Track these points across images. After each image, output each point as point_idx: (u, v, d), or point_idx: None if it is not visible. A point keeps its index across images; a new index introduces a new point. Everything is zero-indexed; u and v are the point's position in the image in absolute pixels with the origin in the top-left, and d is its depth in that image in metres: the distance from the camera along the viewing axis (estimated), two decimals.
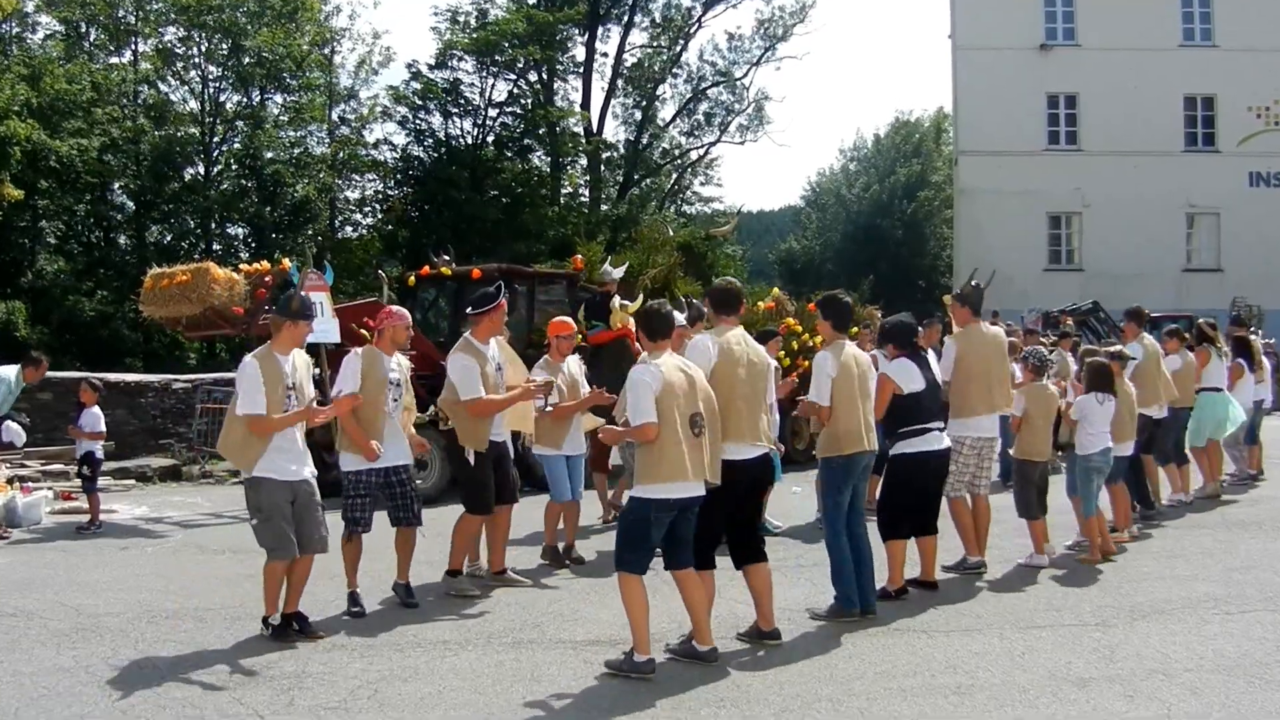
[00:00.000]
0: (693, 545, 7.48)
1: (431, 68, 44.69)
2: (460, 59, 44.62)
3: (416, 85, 44.59)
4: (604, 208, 48.11)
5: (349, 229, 47.74)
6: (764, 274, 64.22)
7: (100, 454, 13.43)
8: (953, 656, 7.57)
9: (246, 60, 41.42)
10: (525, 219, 42.38)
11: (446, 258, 17.47)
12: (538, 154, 47.86)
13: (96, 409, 13.26)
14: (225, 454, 8.48)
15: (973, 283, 10.30)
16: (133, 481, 17.38)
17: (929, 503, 9.20)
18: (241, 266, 15.33)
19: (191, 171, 41.68)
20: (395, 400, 8.92)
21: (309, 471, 8.18)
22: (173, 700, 6.78)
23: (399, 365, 9.04)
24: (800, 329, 17.62)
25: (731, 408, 7.53)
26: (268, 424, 7.92)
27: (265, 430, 7.93)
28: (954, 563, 9.96)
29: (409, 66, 45.23)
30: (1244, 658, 7.46)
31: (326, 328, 14.39)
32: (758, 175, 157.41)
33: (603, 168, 50.23)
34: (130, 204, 40.93)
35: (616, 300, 15.30)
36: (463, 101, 45.64)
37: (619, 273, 16.65)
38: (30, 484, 15.57)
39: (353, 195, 47.44)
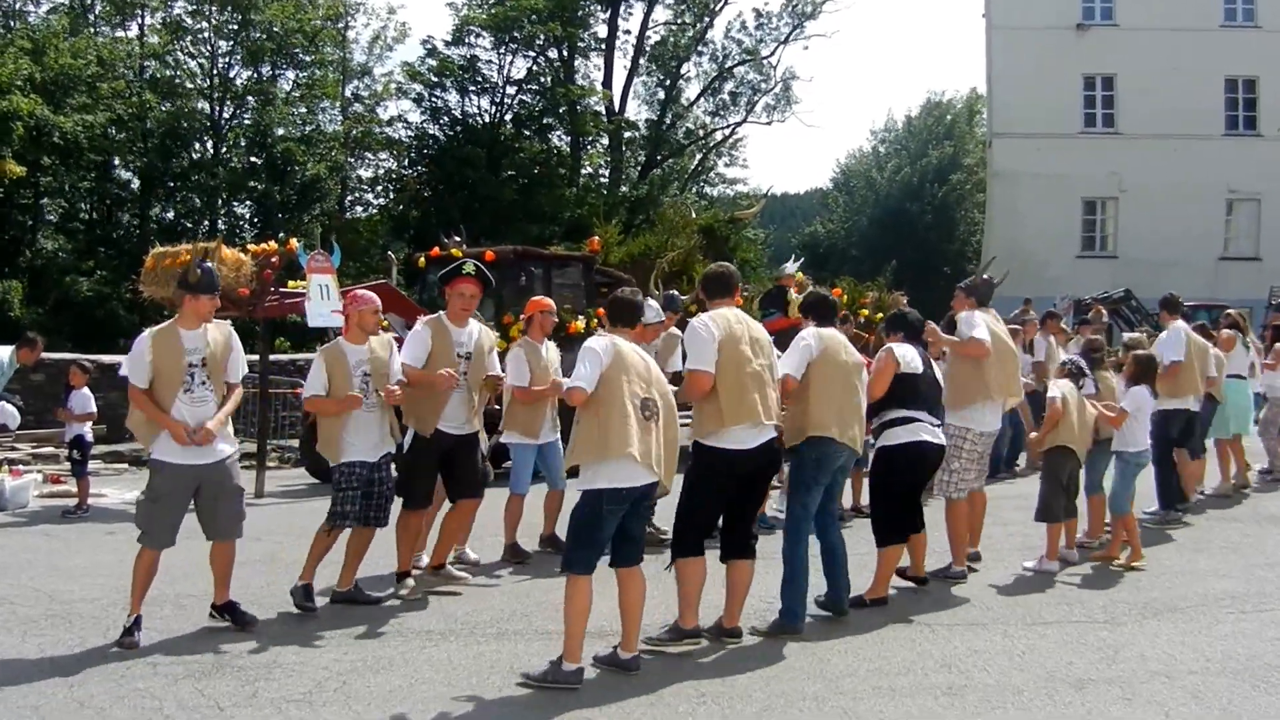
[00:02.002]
0: (683, 534, 7.45)
1: (448, 44, 44.79)
2: (478, 35, 44.62)
3: (432, 62, 44.63)
4: (624, 189, 48.04)
5: (359, 209, 47.87)
6: (786, 259, 63.99)
7: (90, 437, 13.40)
8: (950, 654, 7.48)
9: (256, 35, 41.43)
10: (541, 200, 42.39)
11: (458, 239, 17.41)
12: (557, 134, 47.84)
13: (86, 391, 13.23)
14: (134, 432, 8.16)
15: (984, 276, 10.14)
16: (125, 465, 17.38)
17: (917, 499, 9.01)
18: (249, 246, 15.28)
19: (199, 149, 41.75)
20: (377, 392, 8.57)
21: (222, 452, 7.94)
22: (133, 690, 6.73)
23: (372, 353, 8.66)
24: None
25: (739, 386, 7.33)
26: (139, 400, 7.79)
27: (139, 407, 7.80)
28: (939, 568, 9.64)
29: (424, 43, 45.38)
30: (1253, 660, 7.33)
31: (334, 310, 14.30)
32: (785, 157, 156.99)
33: (624, 148, 50.10)
34: (135, 181, 40.95)
35: (793, 292, 15.87)
36: (480, 79, 45.65)
37: (794, 268, 17.78)
38: (20, 466, 15.60)
39: (365, 174, 47.52)
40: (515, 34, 44.39)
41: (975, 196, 58.92)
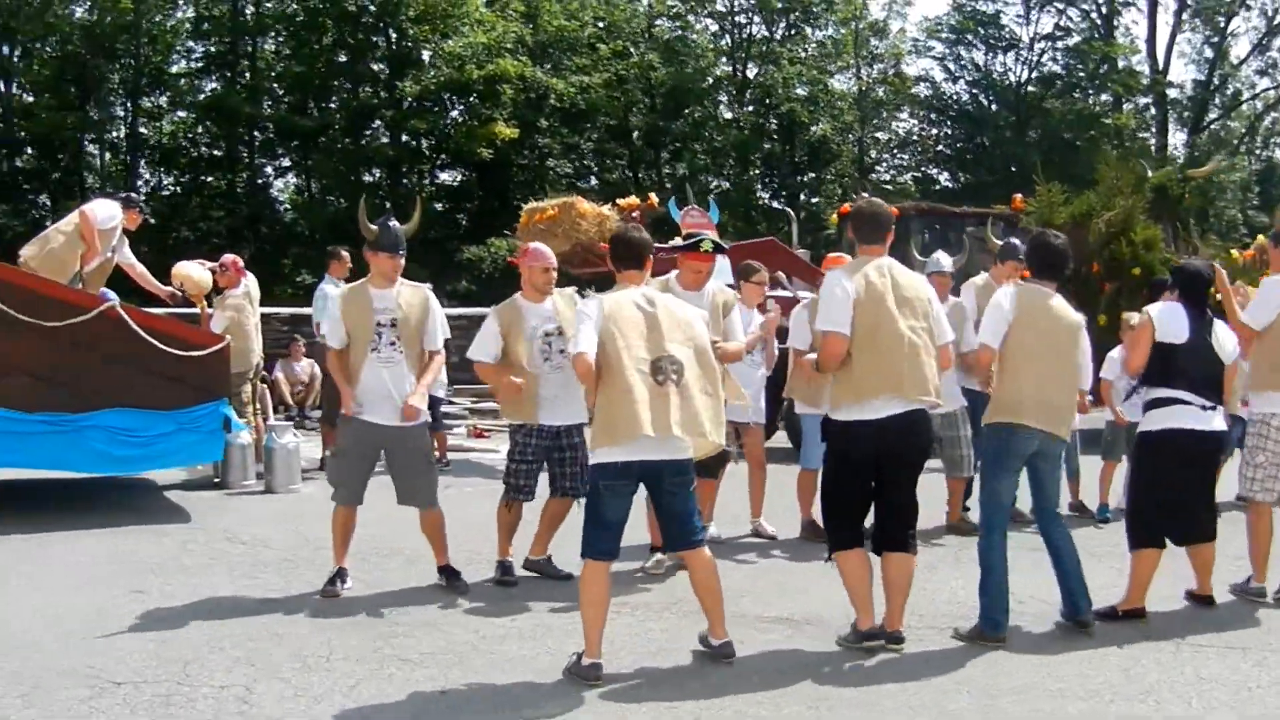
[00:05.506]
0: (829, 524, 7.04)
1: None
2: None
3: (957, 18, 44.19)
4: (1176, 153, 45.51)
5: (880, 169, 47.96)
6: None
7: (441, 393, 14.10)
8: (1164, 680, 6.52)
9: None
10: (1078, 163, 40.95)
11: (865, 193, 17.27)
12: (1092, 95, 46.08)
13: None
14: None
15: None
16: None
17: (1194, 499, 7.81)
18: (617, 201, 15.71)
19: (704, 107, 43.07)
20: (560, 352, 8.31)
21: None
22: (266, 632, 7.11)
23: (556, 310, 8.52)
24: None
25: (867, 352, 6.69)
26: (330, 362, 8.22)
27: (329, 368, 8.24)
28: (1239, 582, 8.38)
29: None
30: None
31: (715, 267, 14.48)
32: None
33: (1168, 109, 47.44)
34: (641, 141, 42.82)
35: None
36: (1006, 35, 44.80)
37: None
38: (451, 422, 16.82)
39: (882, 135, 47.56)
40: None
41: None
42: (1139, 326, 7.95)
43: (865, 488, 6.96)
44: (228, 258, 13.16)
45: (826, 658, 6.86)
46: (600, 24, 39.48)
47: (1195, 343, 7.65)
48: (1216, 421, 7.74)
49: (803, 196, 43.58)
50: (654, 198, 15.89)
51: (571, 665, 6.44)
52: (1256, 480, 8.18)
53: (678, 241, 14.47)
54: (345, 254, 13.55)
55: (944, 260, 10.58)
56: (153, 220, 34.53)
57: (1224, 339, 7.87)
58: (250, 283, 13.09)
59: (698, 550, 6.67)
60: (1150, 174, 19.01)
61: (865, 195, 16.63)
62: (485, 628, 7.34)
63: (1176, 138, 48.23)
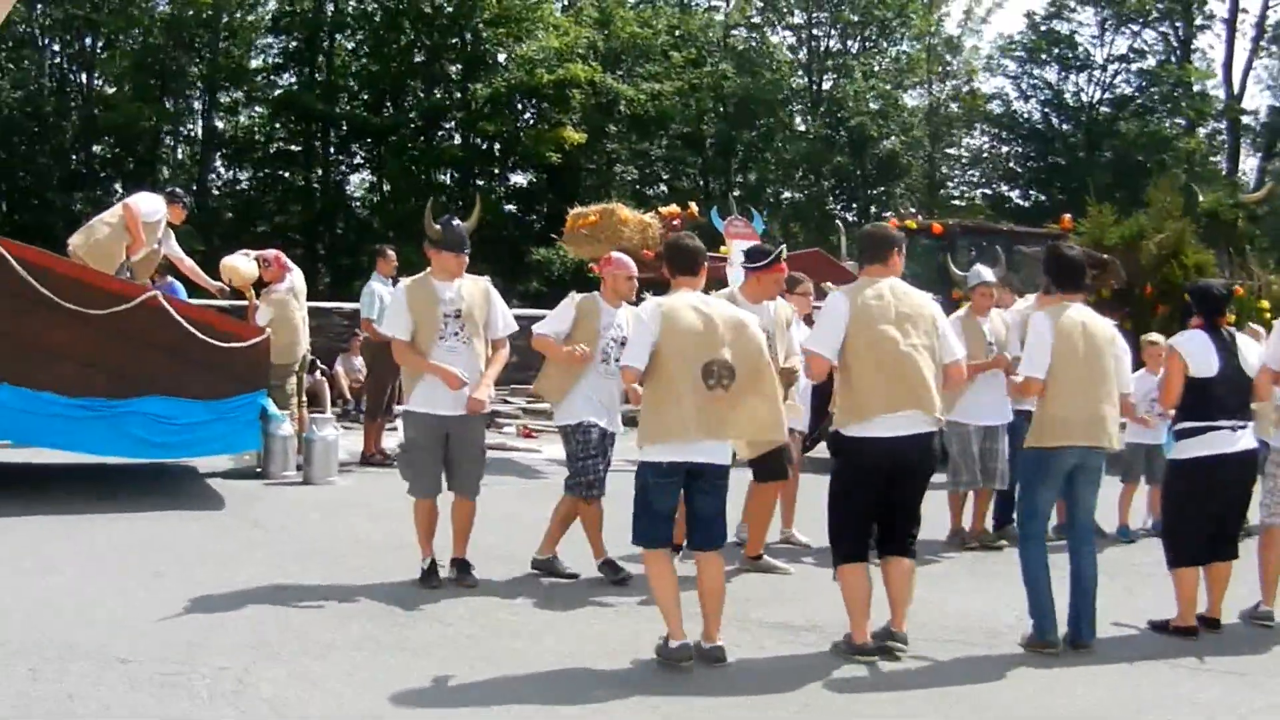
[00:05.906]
0: (835, 538, 7.11)
1: (1045, 18, 44.11)
2: (1072, 10, 43.89)
3: (1032, 36, 44.09)
4: (1246, 179, 45.11)
5: (949, 186, 47.86)
6: None
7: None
8: (1158, 700, 6.59)
9: (844, 8, 42.52)
10: (1147, 187, 40.85)
11: (914, 210, 17.32)
12: (1163, 118, 45.74)
13: None
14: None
15: None
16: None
17: (1222, 520, 7.83)
18: (660, 209, 15.87)
19: (775, 119, 43.16)
20: (618, 360, 8.13)
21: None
22: (275, 618, 7.30)
23: (627, 321, 8.53)
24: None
25: (868, 371, 6.82)
26: (403, 353, 8.27)
27: (403, 360, 8.32)
28: (1248, 608, 8.23)
29: (1027, 15, 45.01)
30: None
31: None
32: None
33: (1239, 135, 47.13)
34: (713, 150, 43.00)
35: None
36: (1080, 55, 44.65)
37: None
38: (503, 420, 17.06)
39: (951, 151, 47.46)
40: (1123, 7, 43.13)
41: None
42: (1168, 363, 7.93)
43: (871, 503, 7.04)
44: (269, 252, 13.36)
45: (821, 665, 6.92)
46: (676, 32, 39.66)
47: (1226, 372, 7.66)
48: (1246, 440, 7.77)
49: (873, 210, 43.62)
50: (694, 206, 15.99)
51: (660, 649, 6.67)
52: (1267, 506, 8.16)
53: (737, 254, 14.66)
54: (391, 252, 13.81)
55: (985, 272, 10.62)
56: (230, 214, 35.39)
57: (1249, 354, 7.86)
58: (296, 277, 13.33)
59: (714, 554, 6.88)
60: (1201, 198, 18.87)
61: (914, 212, 16.75)
62: (489, 622, 7.51)
63: (1248, 163, 47.71)
